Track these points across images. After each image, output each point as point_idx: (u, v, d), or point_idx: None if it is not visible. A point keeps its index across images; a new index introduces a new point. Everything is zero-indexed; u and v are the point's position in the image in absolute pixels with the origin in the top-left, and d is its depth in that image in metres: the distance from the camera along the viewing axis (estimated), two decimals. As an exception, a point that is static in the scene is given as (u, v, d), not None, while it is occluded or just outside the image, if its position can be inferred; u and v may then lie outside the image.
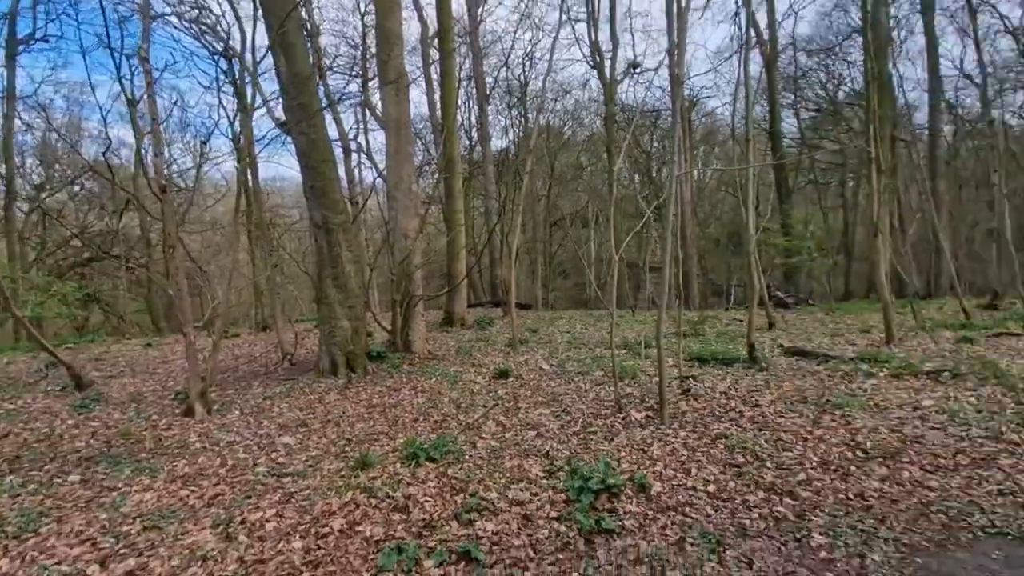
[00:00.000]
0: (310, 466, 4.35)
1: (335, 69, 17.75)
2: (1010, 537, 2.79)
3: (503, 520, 3.25)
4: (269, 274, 11.67)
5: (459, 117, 26.12)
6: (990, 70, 17.55)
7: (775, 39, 21.36)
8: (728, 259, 24.83)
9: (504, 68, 22.88)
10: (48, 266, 17.88)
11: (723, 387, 6.06)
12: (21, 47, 16.80)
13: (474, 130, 26.98)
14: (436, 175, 19.41)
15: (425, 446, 4.37)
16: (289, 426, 5.64)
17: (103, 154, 11.52)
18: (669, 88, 16.76)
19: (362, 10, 20.10)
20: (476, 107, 24.67)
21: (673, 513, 3.23)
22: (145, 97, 6.16)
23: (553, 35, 11.32)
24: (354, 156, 20.85)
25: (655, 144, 27.78)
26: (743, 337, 7.64)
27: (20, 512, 3.65)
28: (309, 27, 19.29)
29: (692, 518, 3.16)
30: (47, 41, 17.14)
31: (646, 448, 4.31)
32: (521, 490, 3.62)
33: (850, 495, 3.32)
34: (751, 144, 6.50)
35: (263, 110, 13.02)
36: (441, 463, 4.17)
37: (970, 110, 20.67)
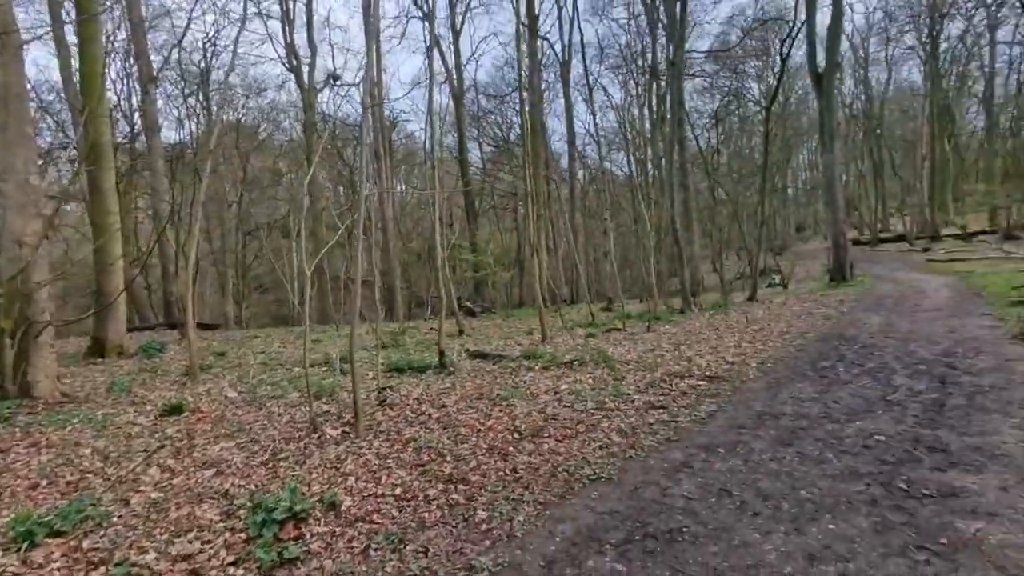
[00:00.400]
0: None
1: None
2: (603, 479, 3.86)
3: (163, 582, 2.80)
4: None
5: (114, 97, 21.15)
6: (602, 134, 23.86)
7: (461, 79, 24.21)
8: (429, 272, 26.73)
9: (178, 49, 19.50)
10: None
11: (417, 393, 6.54)
12: None
13: (137, 115, 22.17)
14: (78, 165, 15.15)
15: (48, 518, 3.39)
16: None
17: None
18: (369, 106, 17.17)
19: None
20: (139, 88, 20.34)
21: (361, 524, 3.35)
22: None
23: (239, 25, 10.29)
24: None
25: (358, 159, 27.92)
26: (438, 345, 8.39)
27: None
28: None
29: (378, 524, 3.34)
30: None
31: (340, 465, 4.33)
32: (190, 542, 3.17)
33: (507, 471, 4.05)
34: (436, 170, 7.25)
35: None
36: (74, 535, 3.31)
37: (594, 161, 27.64)
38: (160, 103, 21.92)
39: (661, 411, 5.29)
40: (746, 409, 5.20)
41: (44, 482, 4.36)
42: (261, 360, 9.99)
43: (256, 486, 3.99)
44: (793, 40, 16.56)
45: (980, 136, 35.65)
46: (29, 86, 9.53)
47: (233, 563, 2.95)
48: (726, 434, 4.56)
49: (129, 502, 3.83)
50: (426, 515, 3.42)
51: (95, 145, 10.47)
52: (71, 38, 14.43)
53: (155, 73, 19.07)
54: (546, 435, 4.78)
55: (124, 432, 5.61)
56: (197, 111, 23.74)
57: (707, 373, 6.60)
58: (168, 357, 10.72)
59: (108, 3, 17.37)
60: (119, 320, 11.32)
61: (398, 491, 3.77)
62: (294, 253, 25.53)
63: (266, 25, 22.85)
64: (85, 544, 3.20)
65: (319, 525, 3.32)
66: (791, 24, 16.51)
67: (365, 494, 3.77)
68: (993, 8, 28.50)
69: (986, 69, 32.35)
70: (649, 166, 25.80)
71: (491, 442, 4.67)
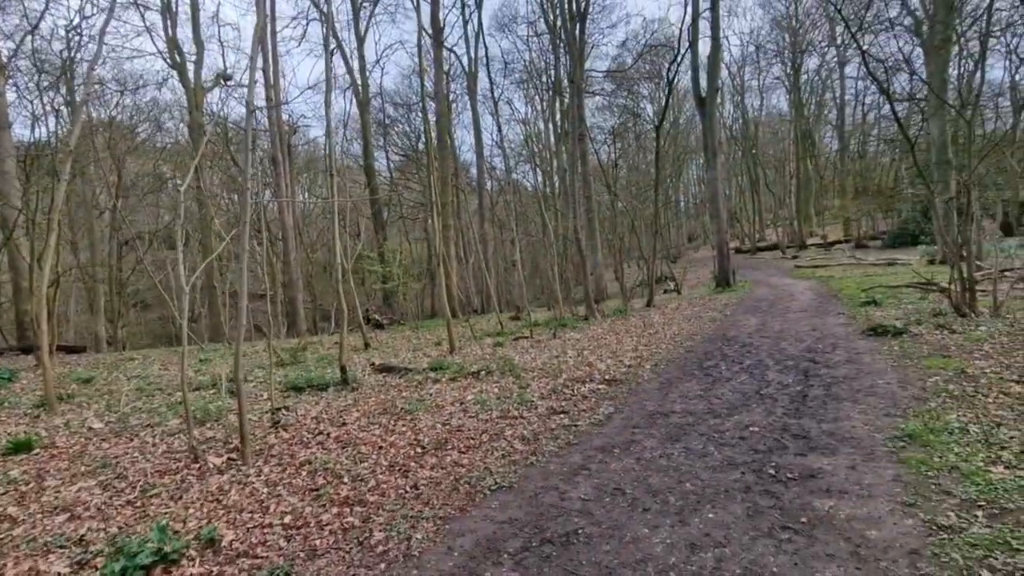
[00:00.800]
0: None
1: None
2: (504, 488, 3.87)
3: (-8, 653, 2.39)
4: None
5: (-54, 85, 18.23)
6: (510, 146, 24.37)
7: (366, 85, 23.62)
8: (334, 284, 25.61)
9: (31, 37, 17.26)
10: None
11: (315, 412, 6.21)
12: None
13: (-21, 108, 19.27)
14: None
15: None
16: None
17: None
18: (255, 108, 16.23)
19: None
20: (-18, 77, 17.70)
21: (243, 559, 3.09)
22: None
23: (107, 13, 9.25)
24: None
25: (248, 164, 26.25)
26: (339, 360, 8.02)
27: None
28: None
29: (263, 557, 3.09)
30: None
31: (222, 496, 3.97)
32: (30, 601, 2.75)
33: (407, 488, 3.94)
34: (334, 180, 6.97)
35: None
36: None
37: (502, 172, 28.11)
38: (11, 96, 19.20)
39: (563, 416, 5.43)
40: (640, 409, 5.48)
41: None
42: (136, 385, 8.98)
43: (119, 528, 3.55)
44: (679, 66, 17.98)
45: (834, 157, 40.85)
46: None
47: (84, 620, 2.59)
48: (621, 434, 4.78)
49: (-48, 562, 3.24)
50: (317, 542, 3.23)
51: (-82, 141, 8.90)
52: None
53: (3, 61, 16.69)
54: (450, 447, 4.72)
55: (-49, 479, 4.76)
56: (58, 107, 21.03)
57: (606, 377, 6.89)
58: (19, 387, 9.31)
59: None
60: (-48, 346, 9.66)
61: (287, 519, 3.53)
62: (180, 266, 23.32)
63: (143, 16, 20.78)
64: None
65: (193, 566, 3.01)
66: (676, 51, 17.92)
67: (250, 526, 3.49)
68: (842, 47, 32.91)
69: (837, 100, 37.22)
70: (555, 178, 26.75)
71: (392, 459, 4.52)
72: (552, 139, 27.09)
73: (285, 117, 23.11)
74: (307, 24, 34.31)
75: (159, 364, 11.53)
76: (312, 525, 3.45)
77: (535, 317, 14.09)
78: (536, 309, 18.28)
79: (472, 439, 4.90)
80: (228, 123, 23.21)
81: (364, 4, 24.09)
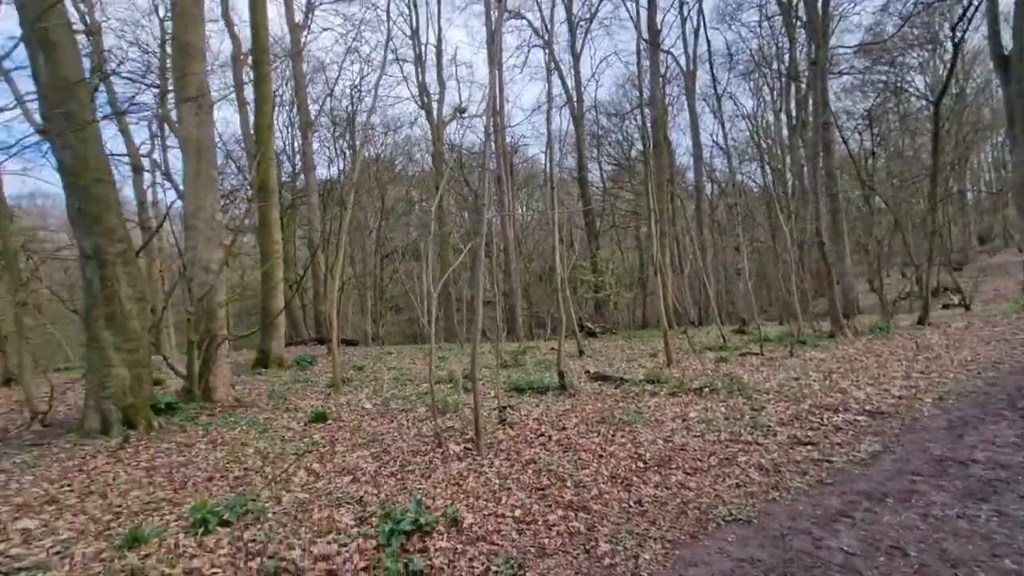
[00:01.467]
0: (56, 553, 3.54)
1: (123, 74, 15.42)
2: (741, 521, 3.46)
3: (305, 580, 3.02)
4: (18, 311, 9.33)
5: (281, 143, 24.64)
6: (733, 144, 22.39)
7: (581, 100, 24.38)
8: (549, 292, 26.91)
9: (329, 98, 22.19)
10: None
11: (536, 414, 6.51)
12: None
13: (298, 157, 25.67)
14: (249, 203, 17.80)
15: (218, 508, 3.87)
16: (32, 505, 4.52)
17: None
18: (492, 134, 17.92)
19: (160, 14, 18.06)
20: (299, 134, 23.60)
21: (482, 543, 3.35)
22: None
23: (379, 70, 11.39)
24: (149, 176, 18.12)
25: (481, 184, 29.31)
26: (557, 366, 8.33)
27: None
28: (88, 22, 16.49)
29: (498, 545, 3.31)
30: None
31: (462, 481, 4.41)
32: (328, 543, 3.41)
33: (631, 503, 3.81)
34: (554, 192, 7.28)
35: (17, 111, 10.64)
36: (237, 526, 3.73)
37: (723, 173, 26.01)
38: (316, 145, 25.07)
39: (810, 448, 4.66)
40: (921, 452, 4.38)
41: (217, 476, 5.01)
42: (393, 375, 10.70)
43: (386, 495, 4.20)
44: (969, 21, 14.21)
45: None
46: (217, 139, 11.43)
47: (365, 568, 3.10)
48: (895, 481, 3.87)
49: (281, 500, 4.24)
50: (546, 541, 3.32)
51: (264, 185, 12.18)
52: (248, 95, 17.14)
53: (311, 119, 21.89)
54: (673, 466, 4.45)
55: (280, 435, 6.30)
56: (344, 150, 26.71)
57: (867, 407, 5.72)
58: (317, 370, 11.97)
59: (276, 64, 20.36)
60: (279, 336, 12.93)
61: (518, 513, 3.73)
62: (424, 275, 27.36)
63: (401, 68, 25.10)
64: (246, 535, 3.59)
65: (442, 540, 3.38)
66: (965, 4, 14.18)
67: (486, 513, 3.78)
68: None
69: None
70: (788, 175, 23.63)
71: (613, 470, 4.45)
72: (784, 132, 24.05)
73: (508, 139, 25.30)
74: (528, 51, 37.10)
75: (408, 359, 13.59)
76: (540, 523, 3.58)
77: (765, 331, 12.58)
78: (764, 323, 16.35)
79: (699, 461, 4.53)
80: (461, 149, 26.42)
81: (580, 22, 25.00)
